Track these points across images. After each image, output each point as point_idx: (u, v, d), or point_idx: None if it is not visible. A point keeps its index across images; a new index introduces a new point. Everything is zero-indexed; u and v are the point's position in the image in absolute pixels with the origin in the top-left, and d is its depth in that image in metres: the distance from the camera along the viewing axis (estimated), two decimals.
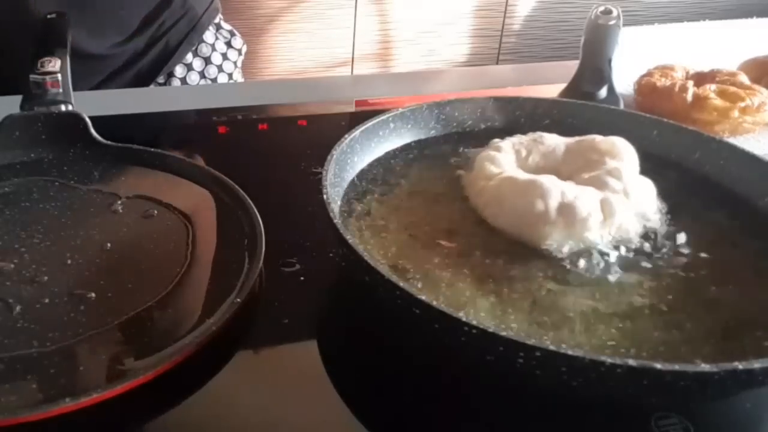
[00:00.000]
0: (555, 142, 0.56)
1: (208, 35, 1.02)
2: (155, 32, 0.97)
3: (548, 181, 0.48)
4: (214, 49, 1.03)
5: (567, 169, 0.54)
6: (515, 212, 0.48)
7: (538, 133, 0.57)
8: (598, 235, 0.47)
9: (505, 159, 0.54)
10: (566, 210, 0.47)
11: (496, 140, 0.57)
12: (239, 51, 1.06)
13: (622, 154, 0.53)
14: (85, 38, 0.89)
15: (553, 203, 0.47)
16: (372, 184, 0.54)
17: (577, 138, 0.56)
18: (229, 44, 1.05)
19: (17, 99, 0.62)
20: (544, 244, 0.47)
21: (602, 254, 0.47)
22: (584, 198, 0.48)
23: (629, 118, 0.59)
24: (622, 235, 0.48)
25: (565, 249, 0.47)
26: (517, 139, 0.56)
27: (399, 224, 0.49)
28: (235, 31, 1.08)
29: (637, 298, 0.43)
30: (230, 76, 1.05)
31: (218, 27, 1.05)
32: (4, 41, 0.89)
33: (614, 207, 0.48)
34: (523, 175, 0.50)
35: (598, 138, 0.54)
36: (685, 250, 0.48)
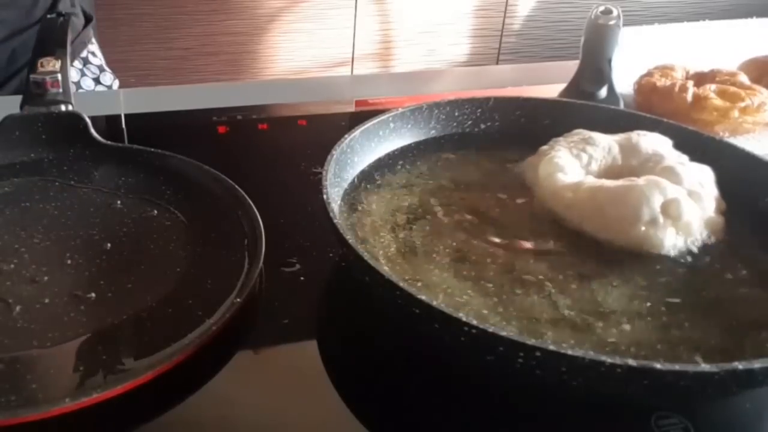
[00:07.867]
0: (606, 141, 0.54)
1: (72, 72, 0.89)
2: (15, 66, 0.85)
3: (643, 183, 0.47)
4: (79, 86, 0.92)
5: (629, 166, 0.53)
6: (622, 222, 0.47)
7: (583, 132, 0.55)
8: (698, 228, 0.47)
9: (571, 167, 0.52)
10: (672, 209, 0.46)
11: (545, 147, 0.55)
12: (109, 87, 0.96)
13: (671, 146, 0.53)
14: None
15: (657, 206, 0.46)
16: (372, 184, 0.54)
17: (620, 135, 0.55)
18: (97, 81, 0.95)
19: (17, 99, 0.62)
20: (661, 250, 0.46)
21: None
22: (677, 193, 0.47)
23: (629, 118, 0.59)
24: (716, 225, 0.48)
25: (675, 248, 0.46)
26: (566, 143, 0.54)
27: (399, 224, 0.49)
28: (106, 67, 0.96)
29: (636, 298, 0.43)
30: None
31: (86, 62, 0.94)
32: None
33: (702, 197, 0.48)
34: (610, 182, 0.49)
35: (641, 132, 0.54)
36: (684, 251, 0.48)
